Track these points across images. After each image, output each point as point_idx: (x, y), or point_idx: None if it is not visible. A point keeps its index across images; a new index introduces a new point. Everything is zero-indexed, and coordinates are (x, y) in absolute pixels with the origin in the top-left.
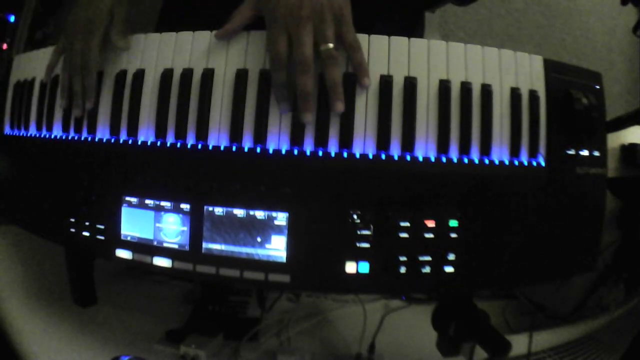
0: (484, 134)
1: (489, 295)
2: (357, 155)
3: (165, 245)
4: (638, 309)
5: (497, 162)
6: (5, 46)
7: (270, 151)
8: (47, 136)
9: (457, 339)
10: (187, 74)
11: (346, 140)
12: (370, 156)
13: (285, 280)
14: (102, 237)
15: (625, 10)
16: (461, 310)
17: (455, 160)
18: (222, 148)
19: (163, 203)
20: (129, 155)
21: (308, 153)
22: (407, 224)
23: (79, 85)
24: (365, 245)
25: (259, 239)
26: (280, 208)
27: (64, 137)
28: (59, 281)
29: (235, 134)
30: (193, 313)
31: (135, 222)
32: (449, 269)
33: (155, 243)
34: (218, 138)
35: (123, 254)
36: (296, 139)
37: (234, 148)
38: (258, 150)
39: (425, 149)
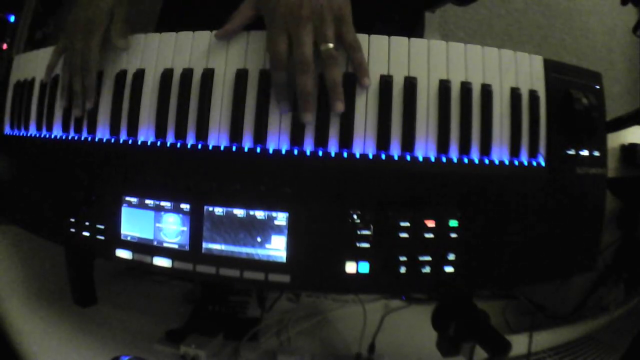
0: (484, 134)
1: (489, 295)
2: (357, 155)
3: (165, 245)
4: (638, 309)
5: (497, 162)
6: (5, 46)
7: (270, 151)
8: (47, 136)
9: (457, 339)
10: (187, 74)
11: (346, 140)
12: (370, 156)
13: (285, 280)
14: (102, 237)
15: (625, 10)
16: (461, 310)
17: (455, 160)
18: (222, 148)
19: (163, 203)
20: (129, 155)
21: (308, 153)
22: (407, 224)
23: (79, 85)
24: (365, 245)
25: (259, 239)
26: (280, 208)
27: (63, 137)
28: (59, 281)
29: (235, 134)
30: (193, 313)
31: (135, 222)
32: (449, 269)
33: (155, 243)
34: (218, 138)
35: (123, 254)
36: (296, 139)
37: (234, 148)
38: (258, 150)
39: (425, 149)
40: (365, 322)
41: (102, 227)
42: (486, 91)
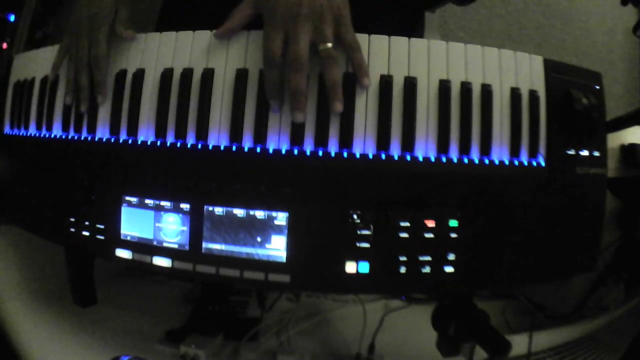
0: (484, 134)
1: (489, 295)
2: (357, 155)
3: (165, 245)
4: (638, 309)
5: (497, 162)
6: (5, 46)
7: (270, 151)
8: (47, 136)
9: (457, 339)
10: (187, 73)
11: (346, 140)
12: (370, 156)
13: (285, 280)
14: (102, 237)
15: (625, 10)
16: (461, 310)
17: (455, 160)
18: (222, 148)
19: (163, 203)
20: (129, 155)
21: (308, 153)
22: (407, 224)
23: (86, 79)
24: (365, 245)
25: (259, 239)
26: (280, 208)
27: (63, 137)
28: (59, 281)
29: (235, 134)
30: (193, 313)
31: (135, 222)
32: (449, 269)
33: (155, 243)
34: (218, 138)
35: (123, 253)
36: (296, 138)
37: (234, 148)
38: (258, 150)
39: (425, 149)
40: (365, 322)
41: (102, 226)
42: (486, 91)
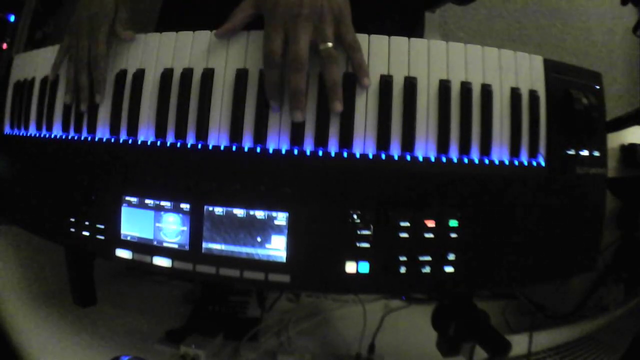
0: (484, 134)
1: (489, 295)
2: (357, 155)
3: (165, 245)
4: (638, 309)
5: (497, 162)
6: (5, 46)
7: (270, 151)
8: (47, 136)
9: (457, 339)
10: (187, 73)
11: (346, 140)
12: (370, 156)
13: (285, 280)
14: (102, 237)
15: (625, 10)
16: (461, 310)
17: (455, 160)
18: (222, 148)
19: (163, 203)
20: (129, 155)
21: (308, 153)
22: (407, 224)
23: (86, 79)
24: (365, 245)
25: (259, 239)
26: (280, 208)
27: (63, 137)
28: (59, 281)
29: (235, 134)
30: (193, 313)
31: (135, 222)
32: (449, 269)
33: (155, 243)
34: (218, 138)
35: (123, 253)
36: (296, 138)
37: (234, 148)
38: (258, 150)
39: (425, 149)
40: (365, 322)
41: (102, 226)
42: (486, 91)
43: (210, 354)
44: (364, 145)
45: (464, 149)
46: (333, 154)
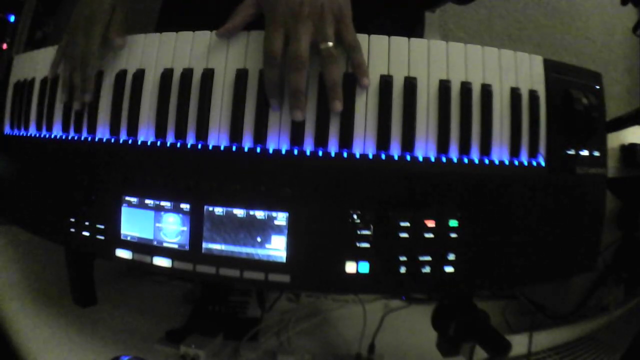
0: (484, 134)
1: (489, 295)
2: (357, 155)
3: (165, 245)
4: (638, 309)
5: (497, 162)
6: (5, 46)
7: (270, 151)
8: (47, 136)
9: (457, 339)
10: (187, 74)
11: (346, 140)
12: (370, 156)
13: (285, 280)
14: (102, 237)
15: (625, 10)
16: (461, 310)
17: (455, 160)
18: (222, 148)
19: (163, 203)
20: (129, 155)
21: (308, 153)
22: (407, 224)
23: (79, 79)
24: (365, 245)
25: (259, 239)
26: (280, 208)
27: (63, 137)
28: (59, 281)
29: (235, 134)
30: (193, 313)
31: (135, 222)
32: (449, 269)
33: (155, 243)
34: (218, 138)
35: (123, 253)
36: (296, 138)
37: (234, 148)
38: (258, 150)
39: (425, 149)
40: (365, 322)
41: (102, 227)
42: (486, 91)
43: (210, 354)
44: (364, 145)
45: (464, 149)
46: (333, 154)
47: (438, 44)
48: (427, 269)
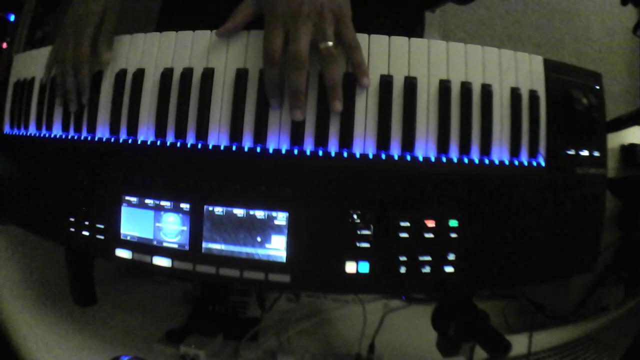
0: (484, 134)
1: (489, 295)
2: (357, 155)
3: (165, 244)
4: (638, 309)
5: (497, 162)
6: (5, 46)
7: (270, 151)
8: (47, 135)
9: (457, 339)
10: (187, 73)
11: (346, 140)
12: (371, 156)
13: (285, 280)
14: (102, 237)
15: (625, 10)
16: (461, 310)
17: (455, 160)
18: (222, 148)
19: (163, 203)
20: (129, 154)
21: (308, 153)
22: (407, 224)
23: (72, 82)
24: (365, 245)
25: (259, 239)
26: (280, 208)
27: (63, 137)
28: (59, 281)
29: (235, 134)
30: (193, 313)
31: (135, 222)
32: (449, 269)
33: (155, 243)
34: (218, 138)
35: (123, 253)
36: (296, 138)
37: (234, 148)
38: (258, 150)
39: (425, 148)
40: (365, 322)
41: (101, 226)
42: (486, 91)
43: (210, 354)
44: (364, 145)
45: (464, 149)
46: (333, 154)
47: (438, 44)
48: (427, 269)
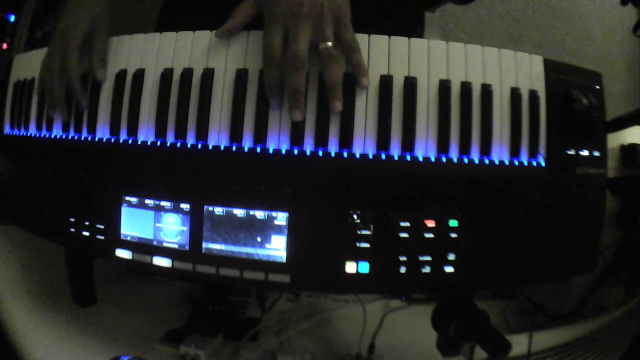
0: (484, 134)
1: (489, 295)
2: (357, 155)
3: (165, 245)
4: (638, 309)
5: (497, 162)
6: (5, 46)
7: (270, 151)
8: (47, 136)
9: (457, 339)
10: (187, 73)
11: (346, 140)
12: (370, 156)
13: (285, 280)
14: (102, 237)
15: (625, 10)
16: (461, 310)
17: (455, 160)
18: (222, 148)
19: (163, 203)
20: (129, 155)
21: (308, 153)
22: (407, 224)
23: (57, 88)
24: (365, 245)
25: (259, 239)
26: (280, 208)
27: (63, 137)
28: (59, 281)
29: (235, 134)
30: (193, 313)
31: (135, 222)
32: (449, 269)
33: (155, 243)
34: (218, 138)
35: (123, 253)
36: (296, 138)
37: (234, 148)
38: (258, 150)
39: (425, 148)
40: (365, 322)
41: (102, 227)
42: (486, 91)
43: (210, 354)
44: (364, 145)
45: (464, 149)
46: (333, 154)
47: (438, 44)
48: (427, 269)
